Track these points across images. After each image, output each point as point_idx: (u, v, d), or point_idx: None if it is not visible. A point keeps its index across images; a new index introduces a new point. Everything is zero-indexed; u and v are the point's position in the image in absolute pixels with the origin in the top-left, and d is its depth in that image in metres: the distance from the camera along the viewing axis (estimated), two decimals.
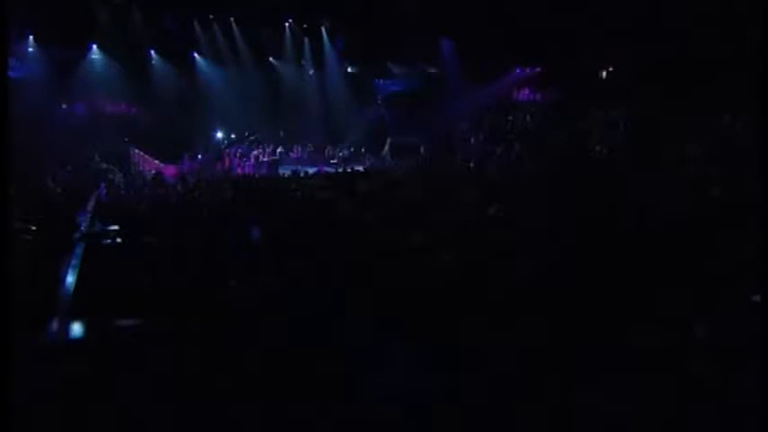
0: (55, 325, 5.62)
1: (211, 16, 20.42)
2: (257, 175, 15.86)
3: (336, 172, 15.54)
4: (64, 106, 20.24)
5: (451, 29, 21.13)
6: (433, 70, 23.22)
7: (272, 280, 6.94)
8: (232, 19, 20.49)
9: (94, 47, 20.22)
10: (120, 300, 6.03)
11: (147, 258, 7.06)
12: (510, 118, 21.69)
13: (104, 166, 16.64)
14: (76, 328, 5.64)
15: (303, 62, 22.16)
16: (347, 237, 7.12)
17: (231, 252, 7.51)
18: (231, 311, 5.93)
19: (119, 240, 7.95)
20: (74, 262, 6.84)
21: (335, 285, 6.26)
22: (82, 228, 9.47)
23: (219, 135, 21.75)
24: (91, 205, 11.54)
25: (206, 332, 5.41)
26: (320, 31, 21.68)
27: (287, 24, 21.36)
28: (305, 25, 21.50)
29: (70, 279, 6.32)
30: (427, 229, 6.75)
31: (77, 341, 5.51)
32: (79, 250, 7.34)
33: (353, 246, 6.82)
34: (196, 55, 21.14)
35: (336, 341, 5.18)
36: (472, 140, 20.32)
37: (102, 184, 13.16)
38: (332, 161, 19.78)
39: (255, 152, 19.34)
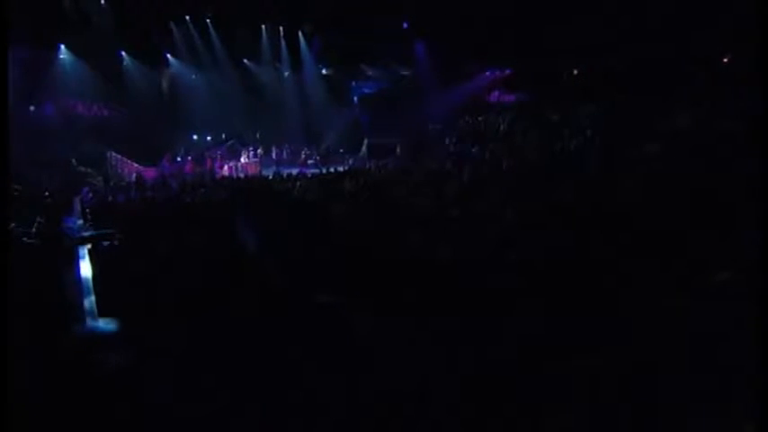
0: (76, 324, 5.83)
1: (187, 17, 20.33)
2: (243, 177, 15.98)
3: (321, 173, 15.81)
4: (32, 108, 19.77)
5: (424, 32, 21.67)
6: (405, 72, 23.72)
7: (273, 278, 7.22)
8: (208, 20, 20.46)
9: (62, 47, 19.83)
10: (131, 299, 6.26)
11: (152, 259, 7.25)
12: (480, 119, 22.35)
13: (83, 169, 16.45)
14: (98, 327, 5.86)
15: (278, 64, 22.31)
16: (345, 236, 7.47)
17: (231, 252, 7.76)
18: (234, 310, 6.19)
19: (116, 243, 8.11)
20: (82, 263, 7.00)
21: (337, 283, 6.57)
22: (74, 231, 9.55)
23: (195, 137, 21.71)
24: (77, 209, 11.57)
25: (211, 330, 5.66)
26: (296, 33, 21.87)
27: (263, 27, 21.46)
28: (281, 27, 21.64)
29: (84, 280, 6.49)
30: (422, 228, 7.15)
31: (99, 338, 5.73)
32: (82, 252, 7.49)
33: (352, 245, 7.17)
34: (170, 56, 21.02)
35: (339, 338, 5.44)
36: (447, 141, 20.87)
37: (86, 189, 13.10)
38: (309, 161, 20.02)
39: (237, 153, 19.40)
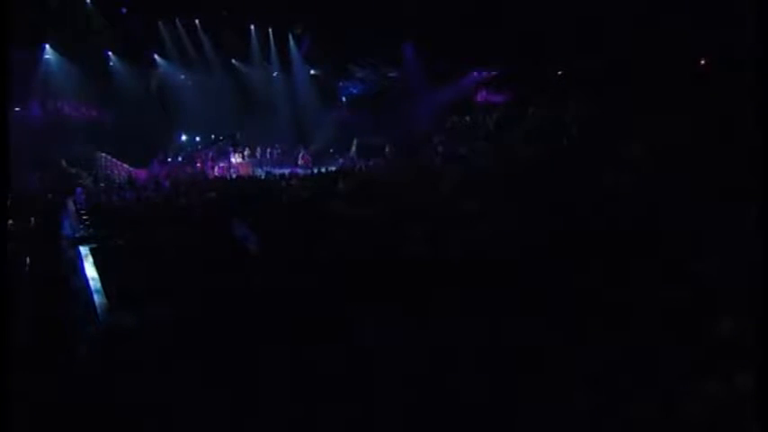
0: (79, 322, 5.93)
1: (177, 18, 20.25)
2: (236, 177, 16.03)
3: (314, 173, 15.94)
4: (17, 109, 19.52)
5: (412, 33, 21.84)
6: (393, 74, 23.91)
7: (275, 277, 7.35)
8: (197, 21, 20.40)
9: (47, 47, 19.59)
10: (132, 298, 6.38)
11: (153, 259, 7.36)
12: (467, 119, 22.66)
13: (73, 170, 16.40)
14: (101, 325, 5.97)
15: (266, 65, 22.32)
16: (346, 233, 7.63)
17: (231, 252, 7.90)
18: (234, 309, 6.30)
19: (120, 242, 8.18)
20: (83, 263, 7.07)
21: (338, 281, 6.71)
22: (72, 230, 9.58)
23: (184, 138, 21.63)
24: (71, 209, 11.57)
25: (211, 330, 5.79)
26: (285, 33, 21.92)
27: (252, 27, 21.47)
28: (270, 28, 21.67)
29: (86, 279, 6.57)
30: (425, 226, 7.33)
31: (102, 337, 5.85)
32: (84, 252, 7.56)
33: (353, 242, 7.34)
34: (158, 57, 20.91)
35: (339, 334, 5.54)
36: (435, 141, 21.13)
37: (80, 189, 13.09)
38: (299, 162, 20.12)
39: (229, 154, 19.44)
